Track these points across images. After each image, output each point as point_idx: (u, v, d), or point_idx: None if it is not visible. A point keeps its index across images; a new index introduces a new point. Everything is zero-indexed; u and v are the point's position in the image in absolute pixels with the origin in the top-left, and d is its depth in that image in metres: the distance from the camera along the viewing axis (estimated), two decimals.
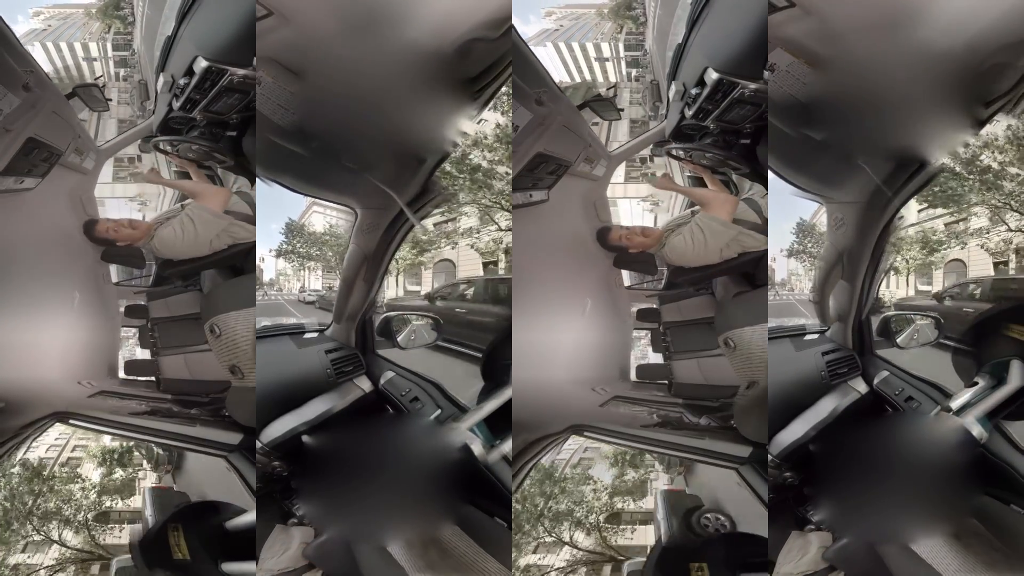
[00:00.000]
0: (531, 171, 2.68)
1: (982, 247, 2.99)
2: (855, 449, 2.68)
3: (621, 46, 2.97)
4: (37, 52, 2.81)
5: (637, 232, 2.78)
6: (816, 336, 2.93)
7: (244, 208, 2.74)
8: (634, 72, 2.95)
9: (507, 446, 2.54)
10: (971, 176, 2.72)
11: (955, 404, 2.49)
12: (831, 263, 2.85)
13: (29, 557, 2.76)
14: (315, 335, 3.02)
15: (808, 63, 2.35)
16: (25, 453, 2.77)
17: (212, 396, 2.74)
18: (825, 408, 2.76)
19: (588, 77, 3.00)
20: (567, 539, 2.86)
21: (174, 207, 2.80)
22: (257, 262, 2.79)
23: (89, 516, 2.81)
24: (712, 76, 2.55)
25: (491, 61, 2.52)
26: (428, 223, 2.93)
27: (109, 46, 2.90)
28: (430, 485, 2.58)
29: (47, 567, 2.77)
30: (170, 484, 2.83)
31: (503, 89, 2.60)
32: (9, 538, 2.76)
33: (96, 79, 2.90)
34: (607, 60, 2.97)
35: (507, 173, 2.71)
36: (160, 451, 2.84)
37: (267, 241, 3.03)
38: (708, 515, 2.66)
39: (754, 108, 2.59)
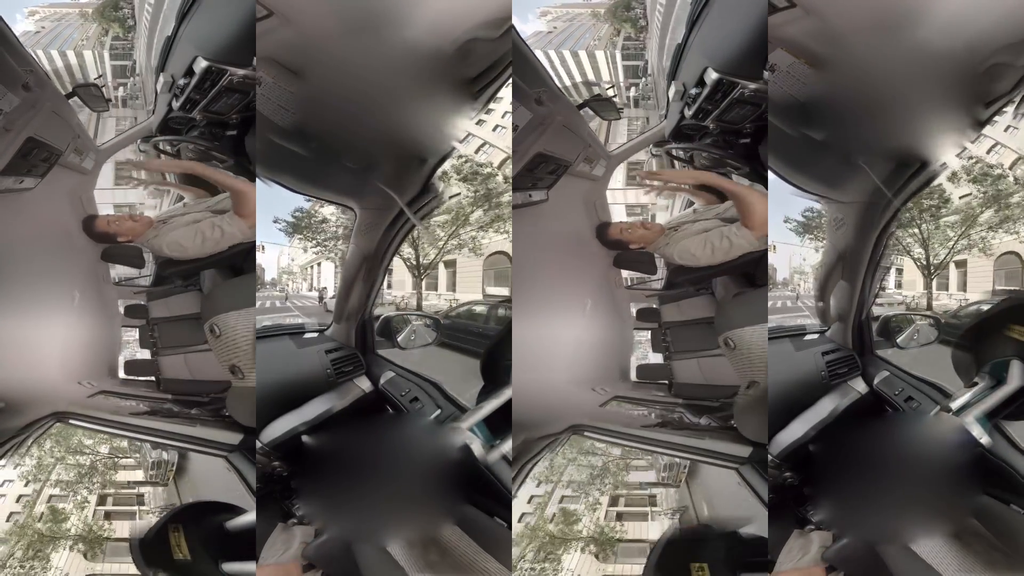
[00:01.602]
0: (531, 171, 2.68)
1: None
2: (855, 449, 2.68)
3: (619, 55, 2.92)
4: None
5: (639, 226, 2.78)
6: (816, 336, 2.93)
7: None
8: (633, 93, 2.90)
9: (507, 446, 2.53)
10: None
11: (955, 404, 2.48)
12: (831, 263, 2.85)
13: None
14: (315, 335, 3.02)
15: (808, 63, 2.35)
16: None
17: (212, 396, 2.74)
18: (825, 408, 2.76)
19: (580, 80, 2.95)
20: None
21: (176, 206, 2.80)
22: (257, 253, 2.74)
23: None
24: (712, 76, 2.55)
25: (491, 61, 2.51)
26: None
27: (107, 55, 2.87)
28: (430, 485, 2.57)
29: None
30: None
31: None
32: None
33: (96, 78, 2.89)
34: (607, 86, 2.90)
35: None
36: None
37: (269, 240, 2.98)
38: None
39: (754, 108, 2.59)
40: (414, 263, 3.10)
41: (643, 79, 2.92)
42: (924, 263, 3.11)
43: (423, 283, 3.16)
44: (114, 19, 2.89)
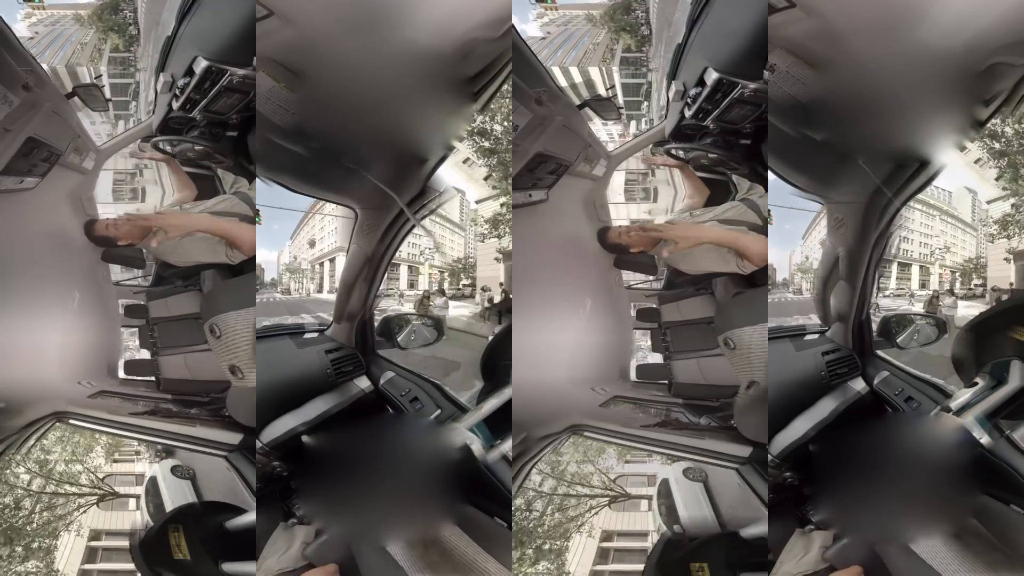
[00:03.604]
0: (531, 171, 2.68)
1: None
2: (855, 449, 2.68)
3: (617, 72, 2.89)
4: None
5: (636, 229, 2.79)
6: (816, 336, 2.93)
7: (244, 208, 2.73)
8: (634, 129, 2.85)
9: (507, 446, 2.53)
10: None
11: (955, 404, 2.48)
12: (831, 263, 2.85)
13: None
14: (315, 335, 3.02)
15: (809, 64, 2.35)
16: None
17: (212, 396, 2.74)
18: (825, 408, 2.76)
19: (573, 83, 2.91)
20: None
21: (171, 208, 2.79)
22: (257, 236, 2.71)
23: None
24: (712, 76, 2.55)
25: (491, 61, 2.52)
26: None
27: (105, 72, 2.83)
28: (430, 485, 2.57)
29: None
30: None
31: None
32: None
33: (96, 78, 2.89)
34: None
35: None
36: None
37: (269, 242, 2.95)
38: None
39: (754, 108, 2.59)
40: None
41: (645, 103, 2.90)
42: None
43: None
44: (112, 25, 2.86)
